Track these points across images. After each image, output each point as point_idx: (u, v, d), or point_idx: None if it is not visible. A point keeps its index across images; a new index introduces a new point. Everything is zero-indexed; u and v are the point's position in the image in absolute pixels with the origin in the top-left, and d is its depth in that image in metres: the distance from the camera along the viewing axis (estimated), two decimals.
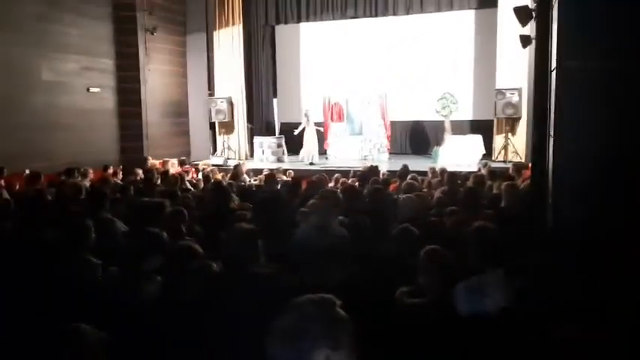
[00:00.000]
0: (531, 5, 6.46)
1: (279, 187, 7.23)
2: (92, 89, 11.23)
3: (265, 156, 14.10)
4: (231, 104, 14.72)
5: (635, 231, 2.20)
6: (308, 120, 13.39)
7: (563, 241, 2.79)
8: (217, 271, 2.43)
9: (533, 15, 5.64)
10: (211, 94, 14.91)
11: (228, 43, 14.91)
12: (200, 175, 10.25)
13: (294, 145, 15.22)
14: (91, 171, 8.65)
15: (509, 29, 10.90)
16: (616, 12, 2.19)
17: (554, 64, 2.61)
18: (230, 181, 8.85)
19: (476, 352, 2.15)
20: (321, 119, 14.46)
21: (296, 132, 13.58)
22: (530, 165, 7.21)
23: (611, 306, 2.32)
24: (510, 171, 8.78)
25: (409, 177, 7.57)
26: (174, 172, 9.35)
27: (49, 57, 10.24)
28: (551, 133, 2.95)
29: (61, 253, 2.88)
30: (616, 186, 2.30)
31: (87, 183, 7.90)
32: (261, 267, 2.47)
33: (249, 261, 2.44)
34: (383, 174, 9.11)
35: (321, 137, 14.79)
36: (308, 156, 13.35)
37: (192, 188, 8.22)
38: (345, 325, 1.24)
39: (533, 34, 6.03)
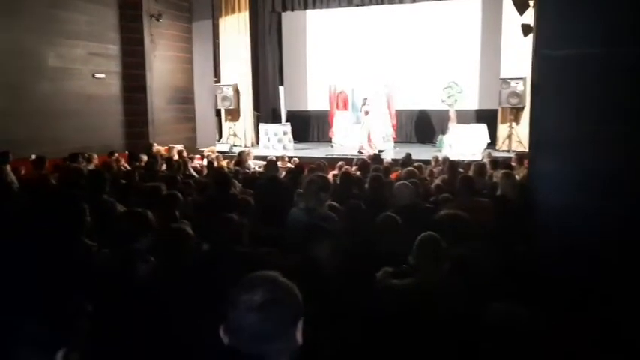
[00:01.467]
0: None
1: (280, 173, 7.32)
2: (98, 75, 11.30)
3: (271, 143, 14.15)
4: (237, 91, 14.76)
5: (608, 218, 2.24)
6: (367, 106, 13.19)
7: (540, 228, 2.83)
8: (206, 249, 2.49)
9: (530, 4, 5.62)
10: (217, 81, 14.95)
11: (235, 29, 14.91)
12: (205, 162, 10.33)
13: (299, 132, 15.28)
14: (95, 156, 8.75)
15: (514, 18, 10.80)
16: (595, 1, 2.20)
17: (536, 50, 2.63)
18: (234, 168, 8.95)
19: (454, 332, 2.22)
20: (327, 107, 14.48)
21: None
22: None
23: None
24: (512, 160, 8.81)
25: (414, 165, 7.62)
26: (178, 158, 9.43)
27: (55, 43, 10.30)
28: None
29: (58, 235, 2.95)
30: (588, 175, 2.34)
31: (91, 168, 8.03)
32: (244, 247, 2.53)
33: (234, 243, 2.49)
34: (387, 162, 9.15)
35: (327, 125, 14.82)
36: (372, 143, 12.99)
37: (195, 174, 8.30)
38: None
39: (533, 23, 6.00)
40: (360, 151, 12.54)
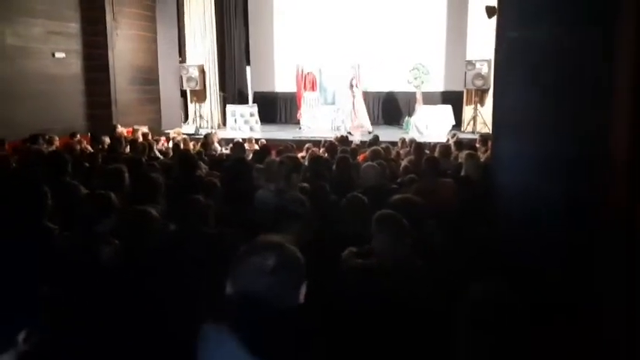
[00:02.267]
0: None
1: (247, 155, 7.27)
2: (58, 54, 10.93)
3: (238, 125, 14.02)
4: (202, 72, 14.51)
5: (569, 200, 2.32)
6: (353, 88, 13.06)
7: (502, 210, 2.91)
8: (172, 230, 2.48)
9: None
10: (182, 62, 14.66)
11: (200, 8, 14.60)
12: (170, 144, 10.17)
13: (266, 114, 15.17)
14: (56, 138, 8.51)
15: (479, 0, 10.96)
16: None
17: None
18: (200, 150, 8.83)
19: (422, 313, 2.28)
20: (294, 89, 14.40)
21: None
22: None
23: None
24: (477, 142, 8.97)
25: (381, 147, 7.66)
26: (143, 140, 9.25)
27: (12, 20, 9.89)
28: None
29: (18, 218, 2.88)
30: (549, 156, 2.41)
31: (52, 150, 7.80)
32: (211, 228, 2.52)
33: (200, 224, 2.48)
34: (354, 144, 9.19)
35: (295, 107, 14.76)
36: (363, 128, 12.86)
37: (161, 157, 8.17)
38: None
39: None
40: (349, 132, 12.44)
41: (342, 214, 3.19)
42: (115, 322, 2.26)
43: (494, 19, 8.12)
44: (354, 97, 13.01)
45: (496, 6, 6.61)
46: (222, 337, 1.24)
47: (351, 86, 13.09)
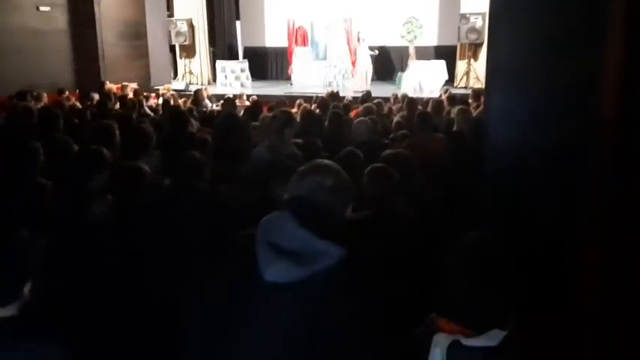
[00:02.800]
0: None
1: (239, 112, 7.22)
2: (42, 8, 10.61)
3: (228, 81, 13.83)
4: (191, 26, 14.19)
5: (559, 152, 2.34)
6: (359, 41, 12.84)
7: (492, 161, 2.94)
8: (167, 184, 2.48)
9: None
10: (170, 16, 14.30)
11: None
12: (160, 101, 10.05)
13: (257, 69, 14.95)
14: (44, 95, 8.38)
15: None
16: None
17: None
18: (191, 107, 8.74)
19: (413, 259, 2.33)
20: (285, 44, 14.15)
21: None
22: None
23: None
24: (469, 97, 8.94)
25: (374, 102, 7.63)
26: (132, 96, 9.13)
27: None
28: None
29: (10, 174, 2.88)
30: (540, 107, 2.42)
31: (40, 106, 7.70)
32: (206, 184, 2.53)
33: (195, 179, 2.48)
34: (347, 100, 9.13)
35: (286, 62, 14.54)
36: (360, 82, 12.63)
37: (151, 113, 8.08)
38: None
39: None
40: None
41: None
42: (108, 276, 2.30)
43: None
44: (355, 52, 12.77)
45: None
46: (282, 217, 1.38)
47: (358, 40, 12.84)
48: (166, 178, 2.92)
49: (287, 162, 2.71)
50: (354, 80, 12.98)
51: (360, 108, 6.41)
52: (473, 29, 12.00)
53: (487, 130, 2.92)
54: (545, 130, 2.55)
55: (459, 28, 12.14)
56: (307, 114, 5.40)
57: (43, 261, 1.59)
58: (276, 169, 2.56)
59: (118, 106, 7.94)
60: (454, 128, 4.93)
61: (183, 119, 5.26)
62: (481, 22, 11.83)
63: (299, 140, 4.17)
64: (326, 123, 5.38)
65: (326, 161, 1.58)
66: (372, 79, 14.62)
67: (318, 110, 7.63)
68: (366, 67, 12.91)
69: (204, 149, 4.04)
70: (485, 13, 11.55)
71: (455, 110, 5.57)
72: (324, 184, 1.43)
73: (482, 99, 8.16)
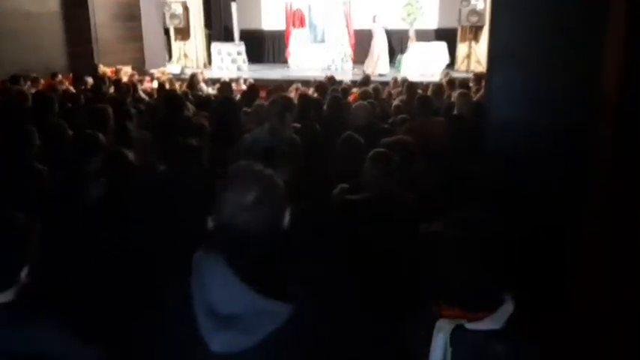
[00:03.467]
0: None
1: (235, 96, 7.13)
2: None
3: (225, 64, 13.67)
4: (186, 8, 13.98)
5: (559, 134, 2.30)
6: (375, 22, 12.52)
7: (493, 143, 2.90)
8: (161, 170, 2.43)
9: None
10: None
11: None
12: (155, 84, 9.93)
13: (254, 52, 14.78)
14: (42, 80, 8.28)
15: None
16: None
17: None
18: (186, 91, 8.63)
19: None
20: (282, 27, 13.96)
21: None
22: None
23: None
24: (470, 80, 8.85)
25: (372, 86, 7.54)
26: (127, 80, 9.02)
27: None
28: None
29: (6, 159, 2.83)
30: (541, 89, 2.37)
31: (35, 91, 7.59)
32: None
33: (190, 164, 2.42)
34: (345, 84, 9.03)
35: (283, 46, 14.37)
36: (374, 65, 12.28)
37: (146, 97, 7.98)
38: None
39: None
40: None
41: (335, 153, 3.16)
42: (106, 258, 2.27)
43: None
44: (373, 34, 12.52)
45: None
46: (215, 266, 1.24)
47: (374, 21, 12.61)
48: (161, 164, 2.86)
49: (285, 147, 2.66)
50: (367, 62, 12.62)
51: (358, 92, 6.32)
52: (474, 12, 11.85)
53: (488, 112, 2.87)
54: (547, 112, 2.50)
55: (459, 10, 12.00)
56: (305, 98, 5.32)
57: (39, 245, 1.56)
58: (272, 153, 2.51)
59: (112, 90, 7.83)
60: (454, 112, 4.87)
61: (178, 103, 5.18)
62: (482, 5, 11.68)
63: (297, 125, 4.10)
64: (324, 107, 5.31)
65: (243, 166, 1.37)
66: None
67: (316, 94, 7.55)
68: (380, 49, 12.49)
69: (201, 134, 3.98)
70: None
71: (455, 94, 5.49)
72: (243, 201, 1.26)
73: (483, 82, 8.10)
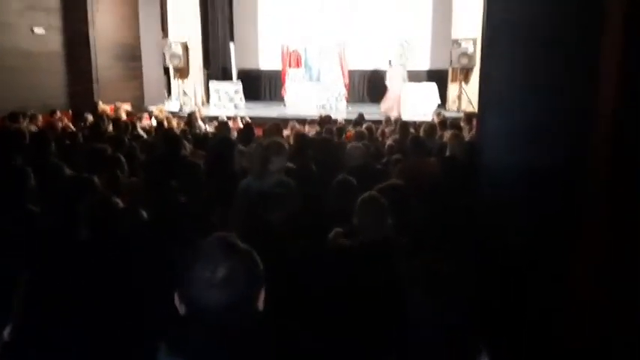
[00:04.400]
0: None
1: (232, 134, 7.22)
2: (37, 30, 10.65)
3: (222, 102, 13.87)
4: (186, 48, 14.29)
5: (553, 176, 2.36)
6: (390, 66, 12.58)
7: (485, 184, 2.95)
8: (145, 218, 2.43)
9: None
10: (165, 37, 14.40)
11: None
12: (154, 122, 10.04)
13: (251, 91, 15.02)
14: (40, 116, 8.37)
15: None
16: None
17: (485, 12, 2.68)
18: (184, 129, 8.74)
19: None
20: (279, 66, 14.25)
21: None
22: None
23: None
24: (461, 120, 9.00)
25: (364, 125, 7.67)
26: (125, 117, 9.13)
27: None
28: None
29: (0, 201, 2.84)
30: (534, 131, 2.44)
31: (33, 128, 7.66)
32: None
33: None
34: (339, 122, 9.16)
35: (279, 84, 14.63)
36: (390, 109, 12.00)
37: (144, 135, 8.07)
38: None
39: None
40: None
41: (330, 195, 3.20)
42: (96, 304, 2.25)
43: None
44: (389, 75, 12.61)
45: None
46: None
47: (390, 64, 12.75)
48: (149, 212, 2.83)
49: (276, 190, 2.69)
50: (384, 103, 12.54)
51: (353, 133, 6.42)
52: (464, 54, 12.16)
53: (481, 154, 2.94)
54: (539, 153, 2.57)
55: (450, 52, 12.31)
56: (300, 138, 5.41)
57: (25, 297, 1.51)
58: (266, 198, 2.55)
59: (111, 127, 7.92)
60: (447, 153, 4.95)
61: (176, 142, 5.26)
62: (472, 48, 12.00)
63: (292, 165, 4.17)
64: (320, 147, 5.39)
65: (216, 238, 1.26)
66: (365, 101, 14.74)
67: (312, 132, 7.67)
68: (396, 92, 12.30)
69: (195, 174, 4.02)
70: (476, 38, 11.72)
71: (448, 134, 5.59)
72: (212, 278, 1.16)
73: (474, 122, 8.24)
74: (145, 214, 2.43)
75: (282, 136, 6.54)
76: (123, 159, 3.95)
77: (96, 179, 2.77)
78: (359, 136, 5.84)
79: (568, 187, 2.29)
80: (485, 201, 3.01)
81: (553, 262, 2.61)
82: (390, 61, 12.96)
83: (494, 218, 3.04)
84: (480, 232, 3.06)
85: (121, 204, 2.45)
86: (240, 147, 4.50)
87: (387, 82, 12.62)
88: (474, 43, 11.88)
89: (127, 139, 5.60)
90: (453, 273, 1.41)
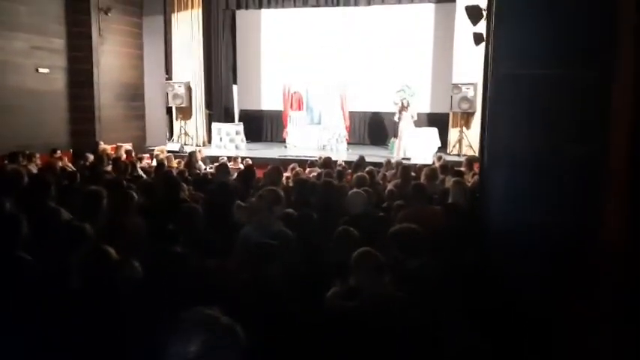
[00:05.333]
0: (483, 5, 6.58)
1: (231, 176, 7.17)
2: (41, 69, 10.78)
3: (223, 143, 13.94)
4: (189, 89, 14.46)
5: (557, 234, 2.29)
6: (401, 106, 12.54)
7: (489, 241, 2.88)
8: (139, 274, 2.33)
9: (484, 15, 5.73)
10: (168, 78, 14.59)
11: (187, 26, 14.59)
12: (154, 162, 10.03)
13: (252, 131, 15.12)
14: (37, 155, 8.35)
15: (466, 24, 11.03)
16: (548, 22, 2.24)
17: (490, 67, 2.67)
18: (183, 170, 8.72)
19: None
20: (280, 107, 14.39)
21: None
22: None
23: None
24: (462, 165, 8.99)
25: (366, 169, 7.64)
26: (126, 157, 9.13)
27: None
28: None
29: None
30: (540, 188, 2.39)
31: (33, 168, 7.64)
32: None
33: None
34: (339, 165, 9.15)
35: (280, 125, 14.73)
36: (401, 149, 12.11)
37: (144, 175, 8.03)
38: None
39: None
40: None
41: (331, 247, 3.12)
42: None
43: (482, 45, 8.22)
44: (399, 120, 12.60)
45: (484, 34, 6.68)
46: None
47: (401, 109, 12.64)
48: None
49: (275, 242, 2.61)
50: (397, 148, 12.52)
51: (354, 178, 6.38)
52: (465, 99, 12.26)
53: (486, 209, 2.87)
54: (546, 211, 2.51)
55: (451, 97, 12.41)
56: (300, 183, 5.36)
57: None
58: (263, 250, 2.47)
59: (111, 167, 7.89)
60: (450, 199, 4.89)
61: (174, 185, 5.21)
62: (473, 92, 12.10)
63: (292, 211, 4.09)
64: (321, 192, 5.32)
65: (193, 311, 1.25)
66: (366, 144, 14.81)
67: (312, 175, 7.63)
68: (407, 139, 12.28)
69: (193, 219, 3.94)
70: (476, 83, 11.84)
71: (450, 181, 5.54)
72: (188, 353, 1.15)
73: (475, 167, 8.22)
74: (138, 267, 2.34)
75: (282, 180, 6.50)
76: (119, 200, 3.88)
77: (88, 227, 2.69)
78: (360, 181, 5.78)
79: (580, 243, 2.22)
80: (492, 253, 2.93)
81: (568, 312, 2.52)
82: (400, 106, 12.77)
83: (504, 270, 2.95)
84: (489, 283, 2.96)
85: (114, 255, 2.37)
86: (239, 203, 4.42)
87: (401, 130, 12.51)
88: (475, 88, 11.99)
89: (125, 182, 5.53)
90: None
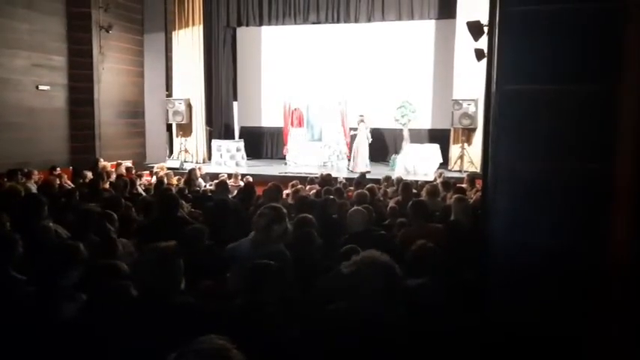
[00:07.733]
0: (484, 20, 6.60)
1: (231, 194, 7.12)
2: (41, 87, 10.80)
3: (224, 160, 13.90)
4: (189, 106, 14.47)
5: (559, 258, 2.23)
6: (363, 123, 12.74)
7: (491, 263, 2.81)
8: (134, 296, 2.25)
9: (485, 31, 5.72)
10: (169, 96, 14.61)
11: (188, 43, 14.67)
12: (154, 179, 9.98)
13: (253, 148, 15.10)
14: (35, 172, 8.31)
15: (466, 40, 11.08)
16: (551, 36, 2.20)
17: (493, 84, 2.63)
18: (183, 187, 8.65)
19: None
20: (281, 124, 14.38)
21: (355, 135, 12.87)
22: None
23: None
24: (464, 181, 8.94)
25: (366, 186, 7.58)
26: (125, 175, 9.08)
27: None
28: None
29: None
30: (543, 207, 2.32)
31: (31, 185, 7.59)
32: (181, 296, 2.29)
33: (168, 290, 2.23)
34: (340, 182, 9.09)
35: (281, 142, 14.71)
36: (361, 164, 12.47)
37: (143, 193, 7.98)
38: None
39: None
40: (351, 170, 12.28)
41: (332, 264, 3.05)
42: None
43: (483, 61, 8.22)
44: (357, 133, 12.78)
45: (485, 50, 6.67)
46: None
47: (361, 121, 12.80)
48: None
49: (271, 262, 2.52)
50: (353, 161, 12.83)
51: (354, 195, 6.31)
52: (466, 115, 12.23)
53: (490, 230, 2.80)
54: (551, 231, 2.44)
55: (452, 113, 12.39)
56: (300, 200, 5.29)
57: None
58: (260, 271, 2.39)
59: (108, 184, 7.84)
60: (452, 217, 4.82)
61: (174, 202, 5.14)
62: (474, 108, 12.08)
63: (291, 229, 4.02)
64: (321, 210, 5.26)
65: (202, 341, 1.24)
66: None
67: (311, 192, 7.57)
68: (362, 148, 12.73)
69: (193, 237, 3.87)
70: (477, 99, 11.83)
71: (452, 198, 5.47)
72: None
73: (477, 183, 8.16)
74: (134, 292, 2.26)
75: (282, 197, 6.43)
76: (115, 218, 3.81)
77: (81, 246, 2.62)
78: (361, 198, 5.72)
79: (586, 265, 2.15)
80: (494, 275, 2.85)
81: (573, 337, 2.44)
82: (362, 118, 12.91)
83: (507, 294, 2.87)
84: (490, 307, 2.88)
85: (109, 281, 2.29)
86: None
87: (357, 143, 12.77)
88: (476, 104, 11.97)
89: (123, 200, 5.47)
90: None
